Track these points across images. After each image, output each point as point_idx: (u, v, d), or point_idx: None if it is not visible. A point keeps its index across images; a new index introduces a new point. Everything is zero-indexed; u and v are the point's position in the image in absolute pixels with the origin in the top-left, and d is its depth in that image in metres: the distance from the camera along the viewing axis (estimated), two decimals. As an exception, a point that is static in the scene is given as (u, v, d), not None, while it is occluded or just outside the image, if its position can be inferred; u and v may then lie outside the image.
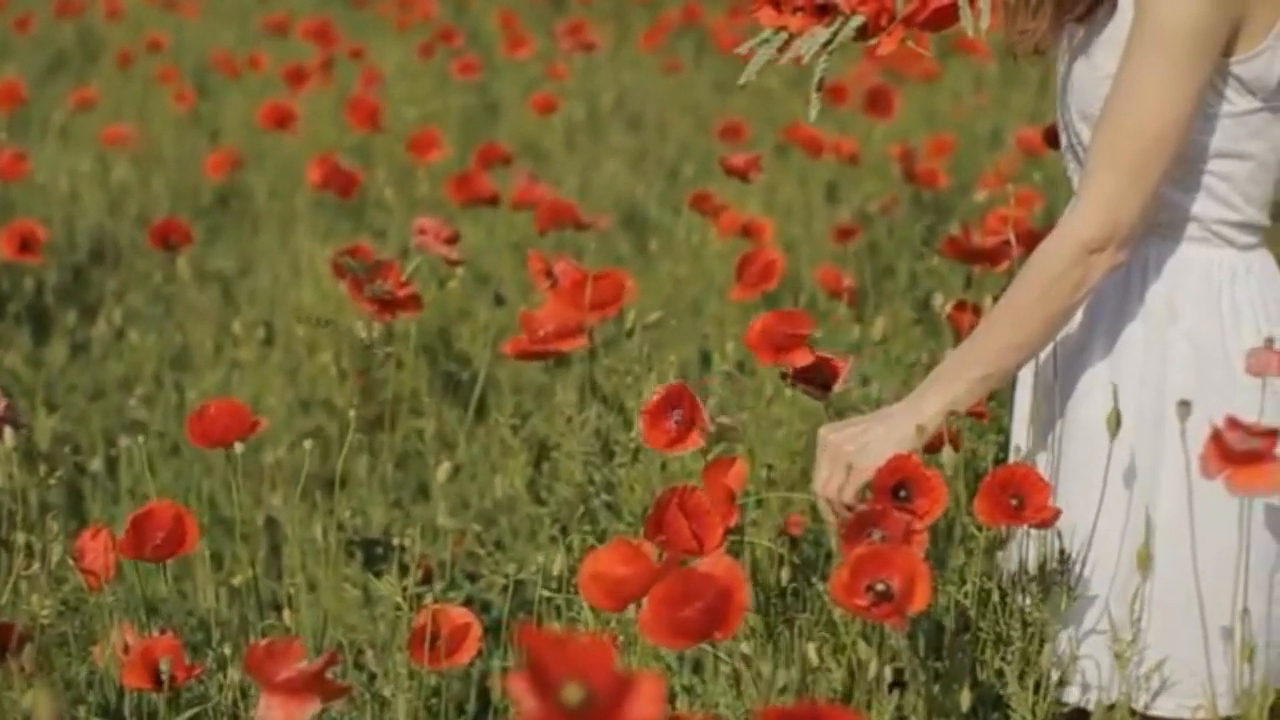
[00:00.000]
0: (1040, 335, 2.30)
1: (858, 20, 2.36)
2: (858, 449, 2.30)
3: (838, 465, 2.30)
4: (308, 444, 2.79)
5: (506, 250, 5.37)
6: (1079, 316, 2.38)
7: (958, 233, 3.26)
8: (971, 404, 2.32)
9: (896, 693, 2.33)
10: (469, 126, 7.49)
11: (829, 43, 2.38)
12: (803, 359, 2.51)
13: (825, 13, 2.39)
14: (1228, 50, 2.24)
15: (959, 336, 3.28)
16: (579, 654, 1.22)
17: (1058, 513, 2.25)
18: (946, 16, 2.34)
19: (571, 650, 1.22)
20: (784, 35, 2.41)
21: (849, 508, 2.27)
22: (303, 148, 6.32)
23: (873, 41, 2.38)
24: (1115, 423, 2.26)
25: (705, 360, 4.33)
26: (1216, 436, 1.97)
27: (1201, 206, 2.32)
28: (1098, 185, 2.24)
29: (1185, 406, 2.13)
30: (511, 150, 5.67)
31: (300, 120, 6.06)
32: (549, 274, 3.33)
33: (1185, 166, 2.29)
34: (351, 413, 2.97)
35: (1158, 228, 2.32)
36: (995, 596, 2.43)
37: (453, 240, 3.67)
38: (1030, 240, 3.26)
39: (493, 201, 4.93)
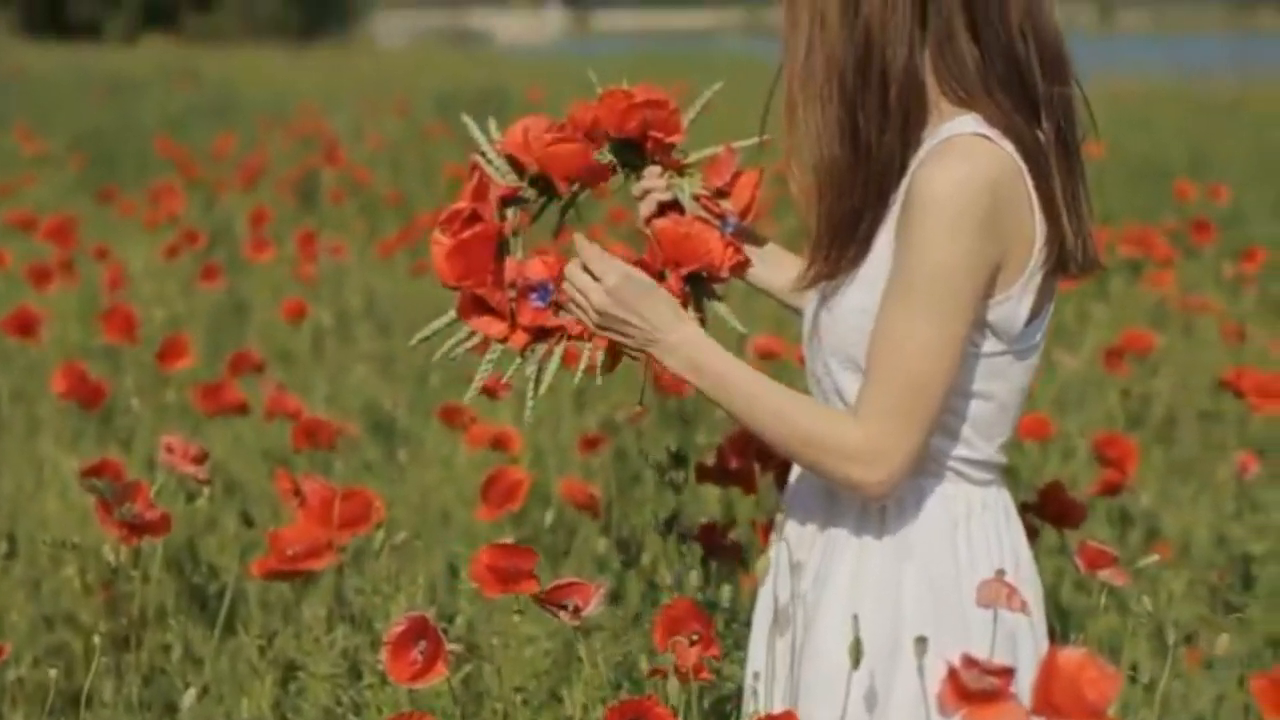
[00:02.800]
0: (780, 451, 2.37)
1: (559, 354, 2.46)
2: (622, 308, 2.39)
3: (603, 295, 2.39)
4: (52, 672, 2.76)
5: (256, 458, 5.36)
6: (820, 545, 2.45)
7: (710, 459, 3.33)
8: (692, 384, 2.39)
9: None
10: (217, 327, 7.48)
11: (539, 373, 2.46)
12: (529, 589, 2.56)
13: (548, 334, 2.46)
14: (985, 293, 2.29)
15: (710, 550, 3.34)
16: None
17: None
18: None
19: None
20: (479, 336, 2.49)
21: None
22: (48, 350, 6.25)
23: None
24: (856, 653, 2.30)
25: (454, 574, 4.36)
26: (953, 675, 2.00)
27: (941, 444, 2.37)
28: (874, 431, 2.28)
29: (922, 643, 2.18)
30: (261, 356, 5.67)
31: (45, 321, 6.00)
32: (297, 492, 3.34)
33: (943, 407, 2.33)
34: (96, 638, 2.94)
35: None
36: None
37: (200, 459, 3.67)
38: (775, 463, 3.36)
39: (242, 411, 4.93)
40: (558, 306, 2.45)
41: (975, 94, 2.30)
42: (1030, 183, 2.29)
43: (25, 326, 5.39)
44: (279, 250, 8.10)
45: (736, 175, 2.48)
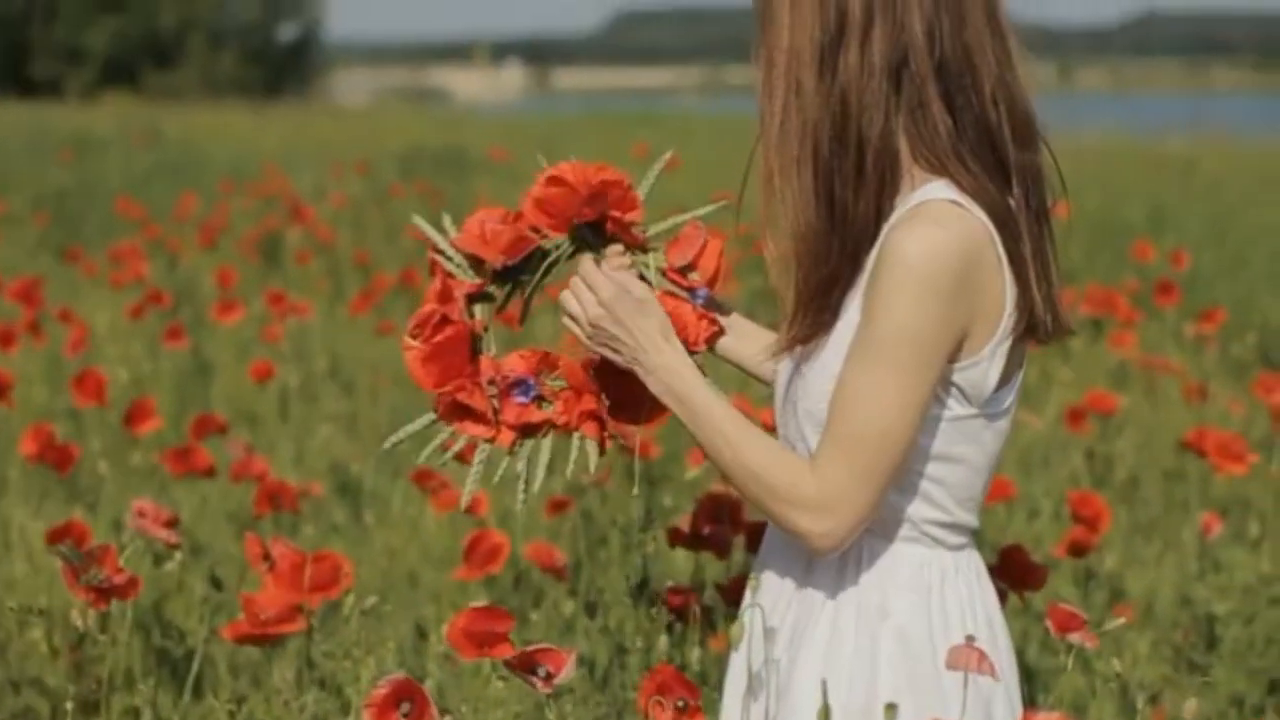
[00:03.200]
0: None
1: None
2: (614, 320, 2.40)
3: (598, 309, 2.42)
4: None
5: (222, 519, 5.36)
6: (794, 609, 2.46)
7: (681, 522, 3.35)
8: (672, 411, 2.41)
9: None
10: (182, 388, 7.48)
11: (529, 467, 2.45)
12: (504, 653, 2.56)
13: (535, 429, 2.46)
14: (951, 357, 2.31)
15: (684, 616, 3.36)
16: None
17: None
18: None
19: None
20: (464, 438, 2.46)
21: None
22: (14, 411, 6.24)
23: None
24: (825, 718, 2.32)
25: (423, 636, 4.36)
26: (926, 740, 2.03)
27: (915, 508, 2.38)
28: (828, 484, 2.29)
29: (892, 709, 2.20)
30: (226, 418, 5.67)
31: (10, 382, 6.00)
32: (267, 556, 3.35)
33: (899, 468, 2.34)
34: (68, 703, 2.94)
35: (871, 526, 2.37)
36: None
37: (171, 523, 3.67)
38: (748, 527, 3.38)
39: (209, 473, 4.93)
40: (540, 400, 2.45)
41: (947, 161, 2.33)
42: (1001, 248, 2.31)
43: (-7, 390, 5.38)
44: (245, 310, 8.10)
45: (701, 246, 2.49)
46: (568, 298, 2.45)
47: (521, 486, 2.45)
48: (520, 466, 2.45)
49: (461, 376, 2.43)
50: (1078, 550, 4.45)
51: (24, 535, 4.86)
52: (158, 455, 5.42)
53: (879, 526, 2.39)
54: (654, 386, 2.41)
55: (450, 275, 2.48)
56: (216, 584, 3.83)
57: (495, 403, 2.44)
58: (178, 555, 3.72)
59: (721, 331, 2.48)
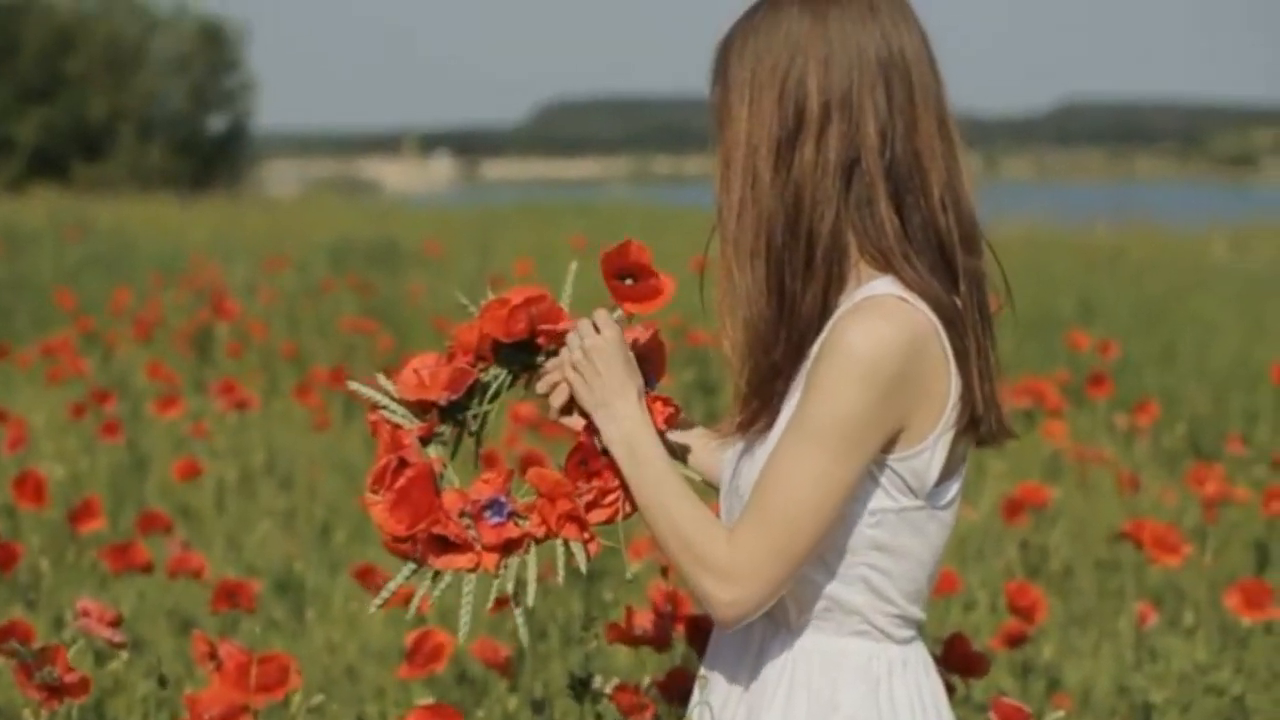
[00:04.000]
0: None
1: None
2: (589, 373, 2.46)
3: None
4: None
5: (161, 616, 5.35)
6: (744, 706, 2.49)
7: (621, 620, 3.37)
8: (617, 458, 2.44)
9: None
10: (118, 483, 7.45)
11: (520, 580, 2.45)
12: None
13: (516, 544, 2.46)
14: (888, 447, 2.34)
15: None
16: None
17: None
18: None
19: None
20: (449, 575, 2.46)
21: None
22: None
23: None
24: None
25: (366, 733, 4.36)
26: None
27: (861, 600, 2.41)
28: (740, 553, 2.32)
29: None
30: (168, 515, 5.66)
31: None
32: (213, 655, 3.35)
33: (845, 560, 2.38)
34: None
35: (818, 620, 2.41)
36: None
37: (116, 623, 3.67)
38: (690, 623, 3.40)
39: (147, 570, 4.92)
40: (515, 516, 2.46)
41: (893, 258, 2.38)
42: (946, 341, 2.36)
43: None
44: (185, 405, 8.09)
45: (645, 338, 2.53)
46: (574, 333, 2.50)
47: (517, 607, 2.45)
48: (509, 586, 2.45)
49: (432, 513, 2.44)
50: (1014, 641, 4.49)
51: (-37, 635, 4.82)
52: (96, 551, 5.40)
53: (826, 620, 2.42)
54: (611, 433, 2.44)
55: (397, 426, 2.51)
56: (162, 682, 3.82)
57: (471, 531, 2.45)
58: (123, 654, 3.71)
59: (678, 412, 2.52)
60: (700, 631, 3.35)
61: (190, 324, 11.92)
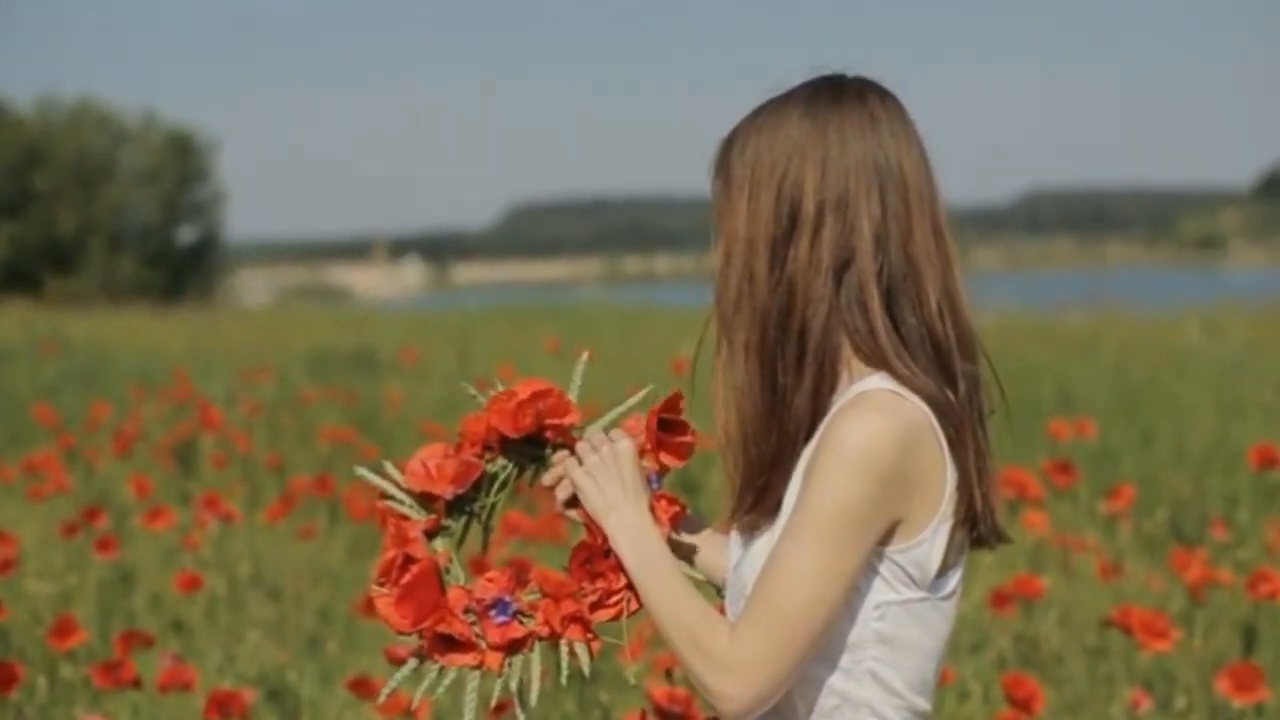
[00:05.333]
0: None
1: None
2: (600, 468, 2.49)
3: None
4: None
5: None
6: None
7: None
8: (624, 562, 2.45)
9: None
10: (106, 596, 7.45)
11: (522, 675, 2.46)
12: None
13: (521, 643, 2.48)
14: (887, 539, 2.37)
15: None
16: None
17: None
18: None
19: None
20: (452, 671, 2.47)
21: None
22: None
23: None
24: None
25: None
26: None
27: (869, 694, 2.42)
28: (741, 647, 2.34)
29: None
30: (153, 627, 5.67)
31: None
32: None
33: (851, 655, 2.40)
34: None
35: (827, 717, 2.41)
36: None
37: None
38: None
39: (136, 685, 4.94)
40: (520, 615, 2.48)
41: (886, 356, 2.42)
42: (941, 434, 2.40)
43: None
44: (173, 517, 8.09)
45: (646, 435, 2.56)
46: (588, 442, 2.53)
47: (520, 708, 2.47)
48: (514, 685, 2.47)
49: (437, 610, 2.46)
50: (1010, 730, 4.51)
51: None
52: (87, 668, 5.40)
53: (832, 715, 2.42)
54: (620, 537, 2.46)
55: (403, 518, 2.53)
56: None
57: (476, 629, 2.46)
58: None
59: (684, 510, 2.55)
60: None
61: (171, 436, 11.93)
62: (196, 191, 53.69)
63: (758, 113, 2.53)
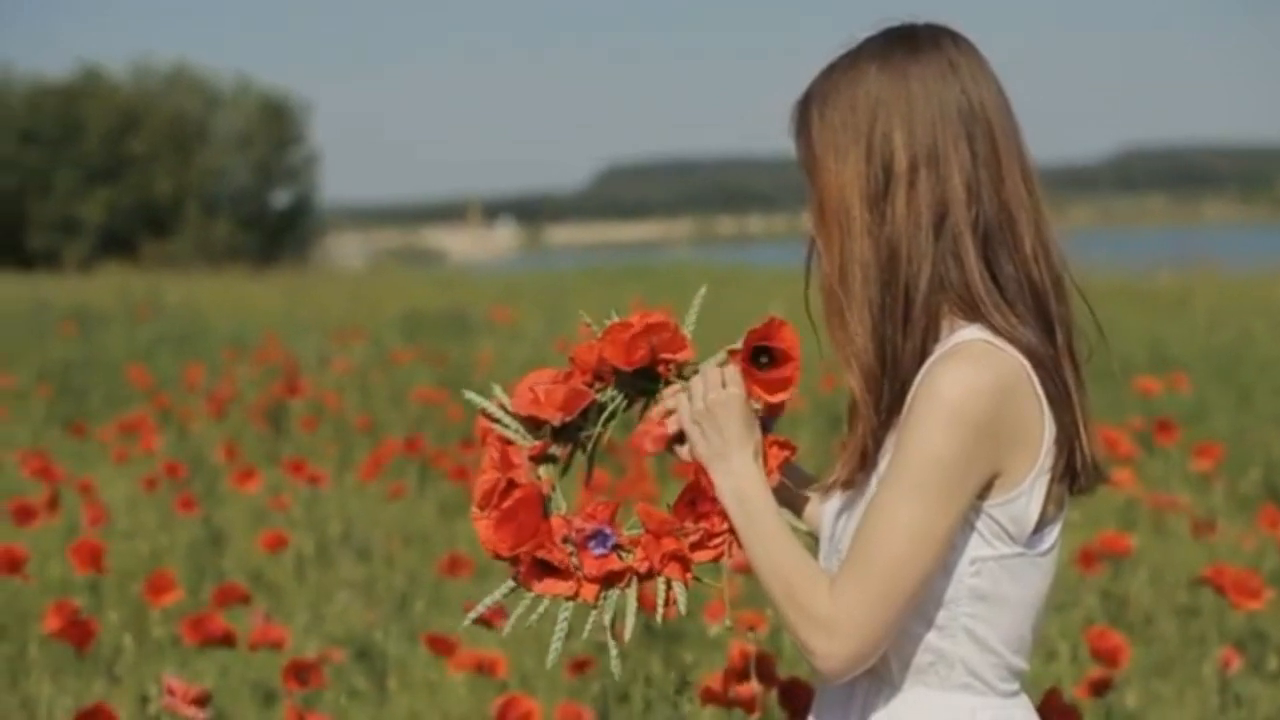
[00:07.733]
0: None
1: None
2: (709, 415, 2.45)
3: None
4: None
5: (245, 688, 5.38)
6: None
7: (713, 681, 3.38)
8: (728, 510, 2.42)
9: None
10: (196, 557, 7.51)
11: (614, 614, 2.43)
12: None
13: (618, 578, 2.45)
14: (984, 493, 2.33)
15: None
16: None
17: None
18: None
19: None
20: (545, 600, 2.45)
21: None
22: (33, 589, 6.28)
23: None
24: None
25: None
26: None
27: (965, 651, 2.38)
28: (841, 604, 2.31)
29: None
30: (246, 588, 5.71)
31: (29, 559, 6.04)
32: (302, 724, 3.39)
33: (946, 611, 2.36)
34: None
35: (921, 674, 2.39)
36: None
37: (202, 701, 3.70)
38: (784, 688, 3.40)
39: (228, 642, 4.95)
40: (619, 549, 2.46)
41: (983, 308, 2.38)
42: (1039, 386, 2.37)
43: (12, 564, 5.40)
44: (262, 479, 8.15)
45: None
46: (698, 378, 2.48)
47: (612, 643, 2.45)
48: (607, 619, 2.44)
49: (537, 535, 2.44)
50: (1099, 689, 4.47)
51: (50, 713, 4.88)
52: (176, 625, 5.44)
53: (929, 674, 2.40)
54: (724, 484, 2.43)
55: (508, 442, 2.50)
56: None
57: (574, 559, 2.45)
58: (207, 730, 3.73)
59: (792, 455, 2.51)
60: (793, 697, 3.36)
61: (263, 398, 12.00)
62: (291, 155, 54.03)
63: (831, 69, 2.48)
